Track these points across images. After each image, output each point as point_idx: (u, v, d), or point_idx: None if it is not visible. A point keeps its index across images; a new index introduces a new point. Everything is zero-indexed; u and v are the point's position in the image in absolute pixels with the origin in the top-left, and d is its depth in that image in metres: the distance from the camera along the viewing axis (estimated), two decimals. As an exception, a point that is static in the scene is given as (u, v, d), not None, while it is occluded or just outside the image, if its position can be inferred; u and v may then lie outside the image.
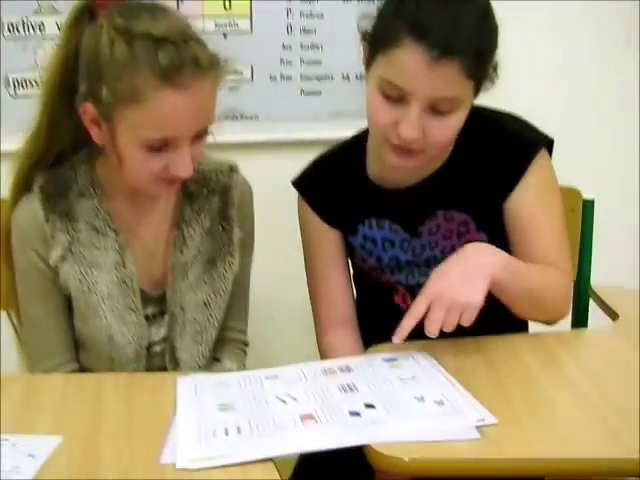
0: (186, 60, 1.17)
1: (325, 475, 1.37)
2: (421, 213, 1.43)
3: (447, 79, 1.20)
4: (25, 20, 1.97)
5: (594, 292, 1.64)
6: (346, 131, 2.08)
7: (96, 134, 1.26)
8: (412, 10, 1.20)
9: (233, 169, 1.46)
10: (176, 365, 1.43)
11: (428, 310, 1.20)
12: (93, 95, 1.22)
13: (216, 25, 2.04)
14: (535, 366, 1.24)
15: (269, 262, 1.85)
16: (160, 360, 1.44)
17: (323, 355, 1.49)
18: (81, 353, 1.44)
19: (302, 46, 2.10)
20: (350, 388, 1.15)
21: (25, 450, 1.03)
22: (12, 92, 2.02)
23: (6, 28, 1.97)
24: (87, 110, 1.24)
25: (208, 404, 1.13)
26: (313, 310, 1.54)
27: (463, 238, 1.42)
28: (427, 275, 1.36)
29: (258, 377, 1.22)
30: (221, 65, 1.25)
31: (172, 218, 1.42)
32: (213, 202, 1.43)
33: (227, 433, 1.04)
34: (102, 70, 1.19)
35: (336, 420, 1.06)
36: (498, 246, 1.33)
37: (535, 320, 1.40)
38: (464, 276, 1.22)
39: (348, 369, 1.22)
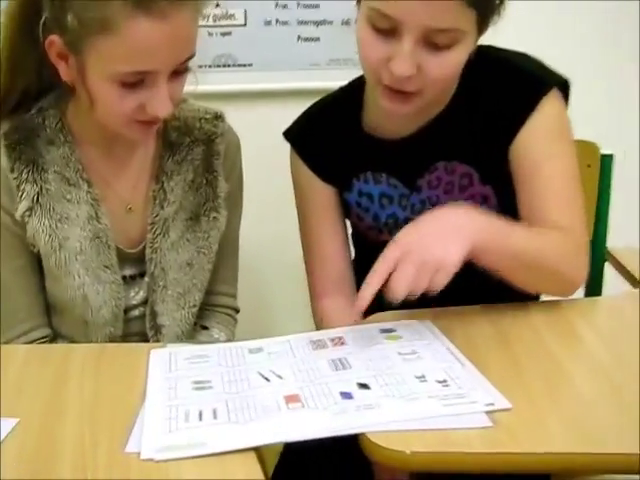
0: None
1: (316, 465, 1.23)
2: (420, 165, 1.31)
3: (443, 6, 1.07)
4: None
5: (611, 255, 1.52)
6: (345, 80, 1.98)
7: (64, 71, 1.15)
8: None
9: (219, 117, 1.36)
10: (157, 331, 1.34)
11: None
12: (59, 25, 1.10)
13: (205, -36, 1.90)
14: (551, 339, 1.10)
15: (261, 220, 1.74)
16: (139, 325, 1.35)
17: (318, 324, 1.38)
18: (54, 318, 1.34)
19: (299, -12, 1.99)
20: (342, 364, 1.03)
21: (-27, 435, 0.91)
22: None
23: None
24: (53, 43, 1.12)
25: (182, 381, 1.01)
26: (307, 274, 1.43)
27: (466, 192, 1.29)
28: None
29: (240, 350, 1.10)
30: None
31: (151, 170, 1.32)
32: (196, 152, 1.33)
33: (201, 417, 0.92)
34: None
35: (325, 403, 0.93)
36: (505, 202, 1.21)
37: (545, 292, 1.26)
38: (440, 234, 1.07)
39: (341, 342, 1.10)
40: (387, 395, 0.94)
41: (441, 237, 1.06)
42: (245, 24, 1.98)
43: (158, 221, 1.30)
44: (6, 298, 1.30)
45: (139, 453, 0.86)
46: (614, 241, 1.58)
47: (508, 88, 1.24)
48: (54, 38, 1.12)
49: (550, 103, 1.24)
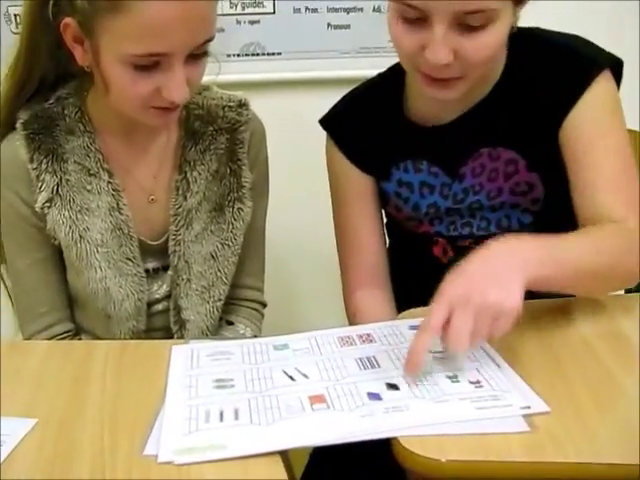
0: None
1: (347, 466, 1.19)
2: (463, 152, 1.26)
3: None
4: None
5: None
6: (376, 68, 1.94)
7: (80, 55, 1.13)
8: None
9: (243, 104, 1.32)
10: (182, 326, 1.31)
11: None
12: (70, 5, 1.07)
13: (233, -48, 1.90)
14: (594, 339, 1.04)
15: (288, 211, 1.71)
16: (163, 319, 1.32)
17: (350, 317, 1.34)
18: (76, 312, 1.33)
19: (329, -25, 1.95)
20: (370, 363, 0.98)
21: (-8, 436, 0.89)
22: (13, 28, 1.88)
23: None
24: (68, 26, 1.09)
25: (203, 379, 0.97)
26: (341, 265, 1.39)
27: (511, 179, 1.24)
28: (470, 226, 1.29)
29: (265, 346, 1.06)
30: None
31: (174, 159, 1.29)
32: (220, 142, 1.29)
33: (222, 418, 0.88)
34: None
35: (351, 404, 0.89)
36: (552, 190, 1.16)
37: (607, 292, 1.16)
38: (493, 276, 0.95)
39: (369, 339, 1.05)
40: (417, 396, 0.90)
41: (495, 279, 0.94)
42: (274, 12, 1.95)
43: (181, 212, 1.27)
44: (27, 292, 1.29)
45: (157, 456, 0.83)
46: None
47: (558, 69, 1.18)
48: (69, 21, 1.09)
49: (602, 83, 1.18)
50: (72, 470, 0.83)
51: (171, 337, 1.31)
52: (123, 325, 1.27)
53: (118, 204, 1.24)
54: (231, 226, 1.30)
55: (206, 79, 1.19)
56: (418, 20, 1.07)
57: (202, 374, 0.99)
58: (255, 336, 1.38)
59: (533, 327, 1.07)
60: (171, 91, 1.09)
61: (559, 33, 1.23)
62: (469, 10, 1.04)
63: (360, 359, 1.00)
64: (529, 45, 1.19)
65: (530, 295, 1.08)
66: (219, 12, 1.12)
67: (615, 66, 1.21)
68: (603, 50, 1.22)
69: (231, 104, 1.30)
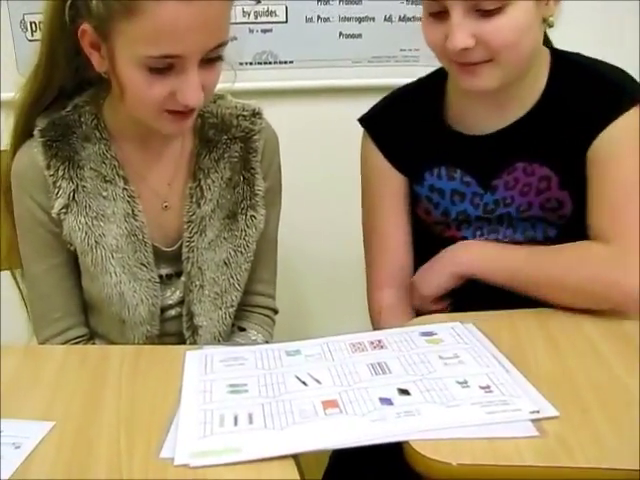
0: None
1: (367, 470, 1.20)
2: (498, 164, 1.28)
3: None
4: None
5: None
6: (388, 77, 1.98)
7: (97, 61, 1.14)
8: None
9: (256, 113, 1.32)
10: (194, 332, 1.31)
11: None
12: (85, 9, 1.08)
13: (246, -38, 1.91)
14: (604, 345, 1.06)
15: (299, 217, 1.72)
16: (176, 325, 1.33)
17: (375, 316, 1.36)
18: (90, 317, 1.33)
19: (341, -15, 1.96)
20: (382, 369, 1.00)
21: (10, 440, 0.90)
22: (29, 36, 1.89)
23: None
24: (85, 32, 1.10)
25: (217, 384, 0.99)
26: (367, 262, 1.40)
27: (542, 195, 1.26)
28: (497, 232, 1.31)
29: (277, 352, 1.08)
30: None
31: (188, 167, 1.30)
32: (234, 150, 1.30)
33: (236, 422, 0.90)
34: None
35: (363, 409, 0.90)
36: (581, 208, 1.21)
37: (597, 308, 1.16)
38: (431, 267, 1.28)
39: (380, 345, 1.07)
40: (427, 401, 0.91)
41: (430, 270, 1.28)
42: (286, 21, 1.96)
43: (195, 219, 1.28)
44: (42, 297, 1.29)
45: (173, 459, 0.85)
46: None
47: (594, 94, 1.21)
48: (86, 27, 1.10)
49: (634, 115, 1.21)
50: (89, 472, 0.85)
51: (183, 342, 1.32)
52: (137, 330, 1.28)
53: (133, 210, 1.25)
54: (244, 233, 1.31)
55: (222, 87, 1.20)
56: (441, 13, 1.14)
57: (216, 379, 1.00)
58: (267, 342, 1.39)
59: (542, 332, 1.10)
60: (185, 94, 1.09)
61: (600, 61, 1.26)
62: None
63: (372, 365, 1.01)
64: (570, 68, 1.23)
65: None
66: (232, 21, 1.13)
67: None
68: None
69: (245, 113, 1.31)
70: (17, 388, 1.03)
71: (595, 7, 1.94)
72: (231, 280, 1.32)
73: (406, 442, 0.86)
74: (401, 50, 2.01)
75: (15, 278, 1.40)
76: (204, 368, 1.04)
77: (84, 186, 1.23)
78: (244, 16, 1.94)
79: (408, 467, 0.87)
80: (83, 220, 1.23)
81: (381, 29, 1.98)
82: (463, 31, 1.12)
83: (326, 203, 2.04)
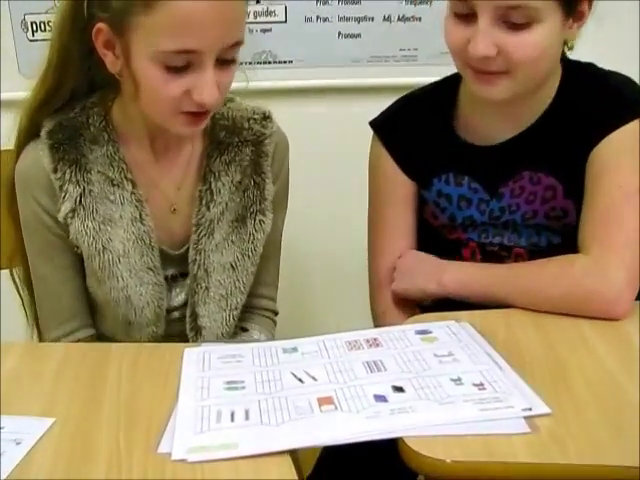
0: None
1: (356, 467, 1.23)
2: (505, 172, 1.29)
3: None
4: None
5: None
6: (387, 77, 1.99)
7: (110, 61, 1.13)
8: None
9: (267, 117, 1.32)
10: (198, 333, 1.32)
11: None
12: (103, 5, 1.07)
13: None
14: (599, 343, 1.07)
15: (301, 217, 1.74)
16: (180, 326, 1.33)
17: (380, 314, 1.37)
18: (95, 317, 1.34)
19: (340, -15, 1.97)
20: (377, 366, 1.01)
21: (11, 436, 0.91)
22: (30, 36, 1.91)
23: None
24: (100, 31, 1.10)
25: (215, 381, 1.00)
26: (370, 263, 1.41)
27: (548, 204, 1.28)
28: (501, 236, 1.33)
29: (275, 349, 1.09)
30: None
31: (198, 169, 1.29)
32: (245, 153, 1.29)
33: (233, 418, 0.91)
34: None
35: (358, 406, 0.92)
36: None
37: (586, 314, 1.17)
38: (415, 268, 1.31)
39: (376, 343, 1.08)
40: (421, 398, 0.93)
41: (415, 270, 1.31)
42: (286, 21, 1.97)
43: (204, 222, 1.27)
44: (50, 297, 1.29)
45: (171, 454, 0.86)
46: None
47: (597, 104, 1.22)
48: (101, 26, 1.09)
49: (636, 127, 1.21)
50: (89, 467, 0.86)
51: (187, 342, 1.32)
52: (143, 331, 1.29)
53: (141, 214, 1.24)
54: (252, 237, 1.30)
55: (234, 86, 1.19)
56: (467, 16, 1.14)
57: (214, 376, 1.02)
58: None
59: (537, 330, 1.11)
60: (202, 92, 1.08)
61: (611, 72, 1.27)
62: (512, 5, 1.10)
63: (367, 362, 1.02)
64: (580, 79, 1.24)
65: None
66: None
67: None
68: None
69: (256, 116, 1.31)
70: (18, 385, 1.04)
71: (594, 7, 1.93)
72: (237, 283, 1.31)
73: (400, 439, 0.87)
74: (400, 50, 2.02)
75: (14, 281, 1.40)
76: (202, 365, 1.05)
77: (91, 190, 1.22)
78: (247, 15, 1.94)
79: (398, 463, 0.88)
80: (90, 225, 1.22)
81: (380, 29, 1.99)
82: (488, 39, 1.12)
83: (327, 202, 2.05)
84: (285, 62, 2.00)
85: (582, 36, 1.62)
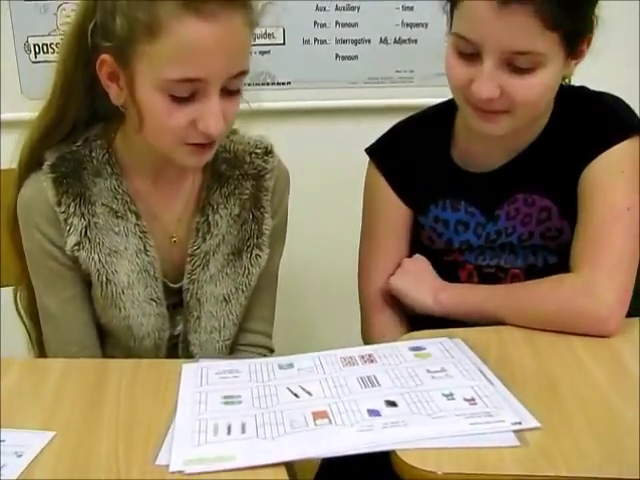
0: None
1: (354, 478, 1.23)
2: (500, 195, 1.31)
3: (519, 27, 1.09)
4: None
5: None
6: (384, 98, 2.01)
7: (114, 93, 1.13)
8: None
9: (269, 152, 1.32)
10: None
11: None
12: (107, 34, 1.07)
13: (245, -15, 1.93)
14: (590, 360, 1.09)
15: (298, 236, 1.75)
16: (176, 352, 1.34)
17: (376, 340, 1.35)
18: (103, 336, 1.33)
19: (337, 8, 2.00)
20: (371, 382, 1.03)
21: (12, 449, 0.93)
22: (32, 57, 1.93)
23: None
24: (104, 62, 1.10)
25: (212, 396, 1.02)
26: (362, 287, 1.42)
27: (543, 225, 1.30)
28: (499, 258, 1.34)
29: (271, 365, 1.11)
30: (253, 2, 1.10)
31: (197, 201, 1.29)
32: (245, 187, 1.29)
33: (230, 431, 0.93)
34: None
35: (352, 420, 0.94)
36: None
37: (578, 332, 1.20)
38: (415, 280, 1.32)
39: (370, 359, 1.10)
40: (414, 412, 0.95)
41: (416, 283, 1.33)
42: (284, 43, 2.00)
43: (199, 253, 1.27)
44: (57, 330, 1.28)
45: (169, 466, 0.88)
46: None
47: (589, 125, 1.24)
48: (105, 57, 1.09)
49: (627, 147, 1.23)
50: (89, 479, 0.88)
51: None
52: (143, 356, 1.28)
53: (145, 246, 1.24)
54: (247, 271, 1.30)
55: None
56: (472, 55, 1.15)
57: (211, 391, 1.04)
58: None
59: (529, 346, 1.13)
60: (207, 122, 1.08)
61: (604, 94, 1.28)
62: (519, 50, 1.11)
63: (361, 378, 1.04)
64: (571, 102, 1.25)
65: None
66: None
67: None
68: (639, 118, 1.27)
69: (258, 151, 1.30)
70: (18, 399, 1.06)
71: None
72: (230, 316, 1.31)
73: (393, 451, 0.89)
74: (396, 71, 2.05)
75: (17, 307, 1.39)
76: (200, 380, 1.07)
77: (96, 222, 1.21)
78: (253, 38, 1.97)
79: (396, 476, 0.90)
80: (97, 257, 1.22)
81: (377, 51, 2.03)
82: (492, 81, 1.13)
83: (324, 223, 2.06)
84: (283, 83, 2.03)
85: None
